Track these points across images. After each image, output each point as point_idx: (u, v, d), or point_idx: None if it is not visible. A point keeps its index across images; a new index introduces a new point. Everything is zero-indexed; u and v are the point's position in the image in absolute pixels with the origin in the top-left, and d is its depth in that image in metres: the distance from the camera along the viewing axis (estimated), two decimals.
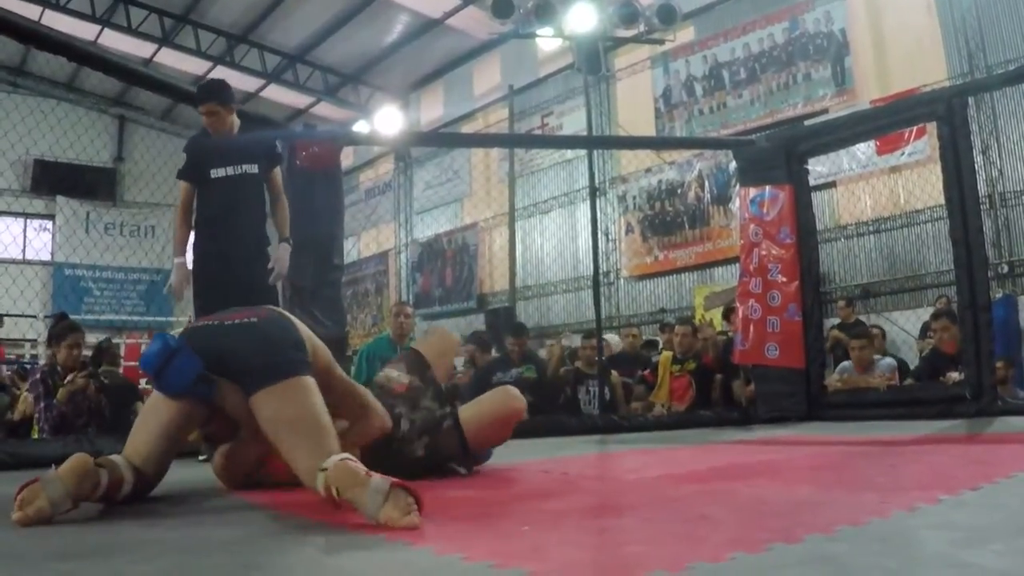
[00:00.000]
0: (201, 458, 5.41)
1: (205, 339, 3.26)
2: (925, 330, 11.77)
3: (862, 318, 12.87)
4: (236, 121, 6.13)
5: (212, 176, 5.97)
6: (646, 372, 10.16)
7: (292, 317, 3.45)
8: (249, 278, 5.83)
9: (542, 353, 11.59)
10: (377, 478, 2.57)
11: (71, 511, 2.75)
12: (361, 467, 2.69)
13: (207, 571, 2.05)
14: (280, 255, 5.95)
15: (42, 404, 7.21)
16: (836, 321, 12.49)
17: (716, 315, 12.47)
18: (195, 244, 6.12)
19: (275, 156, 6.22)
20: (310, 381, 3.16)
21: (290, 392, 3.10)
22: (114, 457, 3.05)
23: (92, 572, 2.07)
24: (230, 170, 5.98)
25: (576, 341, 11.44)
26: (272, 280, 5.88)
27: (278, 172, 6.20)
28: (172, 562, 2.12)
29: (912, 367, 9.89)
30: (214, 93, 6.12)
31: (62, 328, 7.61)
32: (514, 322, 12.07)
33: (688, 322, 10.25)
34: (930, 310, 11.67)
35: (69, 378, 7.19)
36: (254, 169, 6.01)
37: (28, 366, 15.41)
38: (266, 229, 6.08)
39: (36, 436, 7.33)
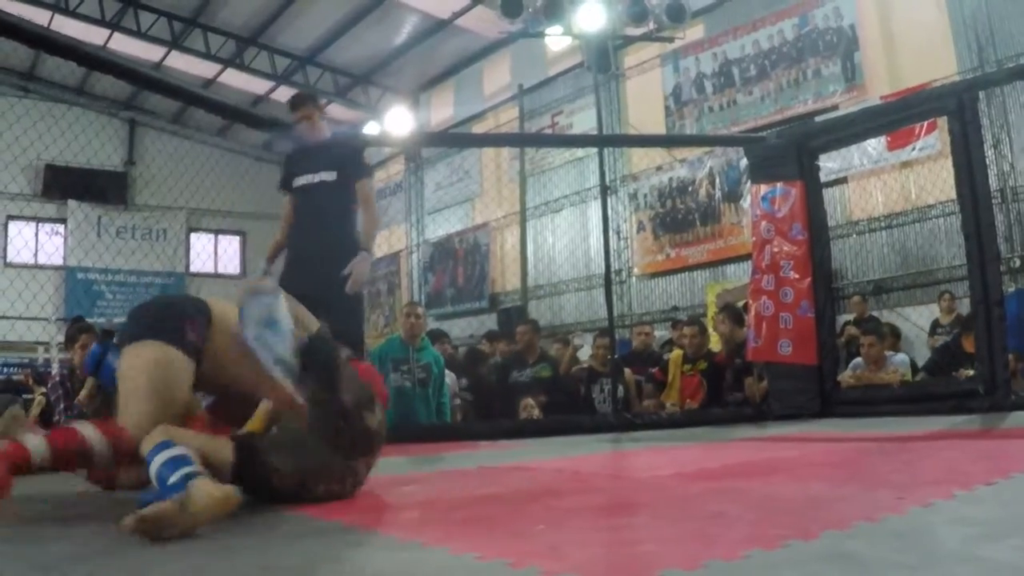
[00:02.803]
0: None
1: None
2: (935, 327, 11.76)
3: (874, 314, 12.84)
4: (326, 130, 6.42)
5: (295, 185, 6.27)
6: (656, 370, 10.14)
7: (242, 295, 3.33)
8: (322, 284, 5.91)
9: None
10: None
11: None
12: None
13: (225, 572, 2.05)
14: (356, 264, 5.95)
15: (62, 406, 7.28)
16: (850, 317, 12.48)
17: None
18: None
19: (359, 165, 6.36)
20: (149, 348, 3.22)
21: (128, 354, 3.26)
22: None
23: (110, 574, 2.07)
24: (309, 178, 6.23)
25: (588, 340, 11.44)
26: (348, 289, 5.91)
27: (367, 184, 6.33)
28: (190, 564, 2.13)
29: (923, 363, 9.88)
30: (310, 98, 6.50)
31: (75, 329, 7.69)
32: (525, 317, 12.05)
33: (697, 322, 10.23)
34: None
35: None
36: (332, 176, 6.17)
37: (42, 369, 15.46)
38: (348, 236, 6.18)
39: None
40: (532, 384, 9.44)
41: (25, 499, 3.53)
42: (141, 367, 3.18)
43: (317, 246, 6.11)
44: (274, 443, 3.12)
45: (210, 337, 3.33)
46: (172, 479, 2.69)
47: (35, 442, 2.98)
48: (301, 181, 6.29)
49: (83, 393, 7.23)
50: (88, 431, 3.07)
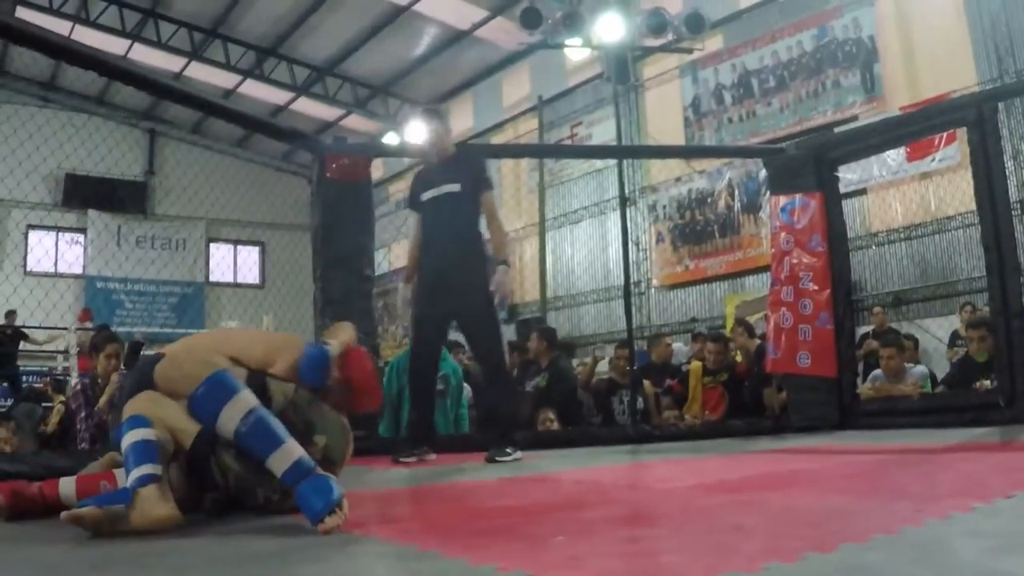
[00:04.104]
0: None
1: None
2: (954, 338, 11.70)
3: (893, 326, 12.80)
4: (451, 144, 6.64)
5: (422, 199, 6.41)
6: (674, 382, 10.12)
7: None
8: (456, 295, 6.15)
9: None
10: None
11: None
12: None
13: None
14: (499, 279, 6.10)
15: (83, 414, 7.32)
16: (870, 328, 12.44)
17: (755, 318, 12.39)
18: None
19: (483, 178, 6.42)
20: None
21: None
22: None
23: None
24: (435, 192, 6.35)
25: (609, 352, 11.42)
26: (497, 304, 6.15)
27: (492, 197, 6.43)
28: (207, 573, 2.14)
29: (942, 375, 9.83)
30: (437, 114, 6.83)
31: (101, 338, 7.75)
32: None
33: (720, 338, 10.21)
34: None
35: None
36: (456, 188, 6.25)
37: (61, 378, 15.52)
38: (476, 246, 6.28)
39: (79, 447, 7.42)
40: (532, 394, 9.41)
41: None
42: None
43: (448, 258, 6.22)
44: (228, 443, 3.12)
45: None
46: (131, 478, 2.81)
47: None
48: (428, 195, 6.41)
49: (102, 400, 7.27)
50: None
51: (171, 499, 2.85)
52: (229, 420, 2.83)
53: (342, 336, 3.62)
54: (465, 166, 6.46)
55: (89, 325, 17.20)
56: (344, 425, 3.45)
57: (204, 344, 3.48)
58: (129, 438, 2.92)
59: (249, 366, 3.29)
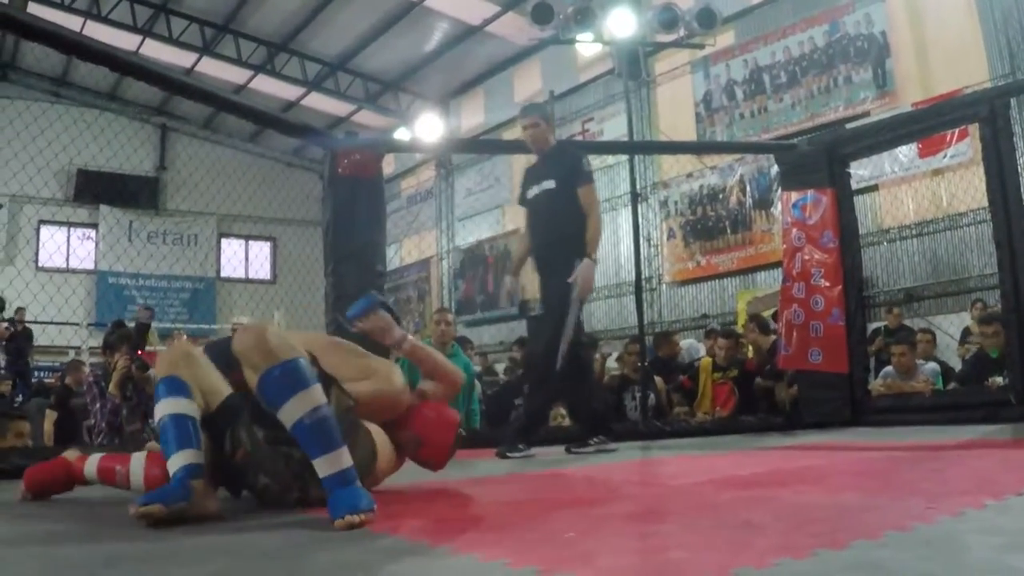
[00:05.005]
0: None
1: None
2: (965, 335, 11.68)
3: (905, 322, 12.78)
4: (552, 140, 6.64)
5: (528, 197, 6.58)
6: (684, 379, 10.12)
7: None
8: (551, 290, 6.32)
9: None
10: None
11: None
12: None
13: None
14: (581, 272, 6.11)
15: (98, 405, 7.37)
16: (880, 325, 12.43)
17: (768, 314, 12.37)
18: None
19: (579, 172, 6.39)
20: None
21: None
22: None
23: None
24: (535, 189, 6.51)
25: (617, 348, 11.42)
26: (576, 296, 6.10)
27: (589, 191, 6.39)
28: (218, 568, 2.14)
29: (955, 371, 9.81)
30: (536, 108, 6.84)
31: (116, 338, 7.83)
32: None
33: (732, 334, 10.21)
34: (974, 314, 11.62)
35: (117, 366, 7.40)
36: (552, 185, 6.35)
37: None
38: (570, 244, 6.26)
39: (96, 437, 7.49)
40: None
41: (57, 502, 3.58)
42: None
43: (542, 257, 6.44)
44: (246, 421, 3.12)
45: None
46: (174, 464, 2.83)
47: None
48: (531, 193, 6.55)
49: (112, 385, 7.32)
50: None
51: (212, 490, 2.94)
52: (295, 409, 2.81)
53: (436, 389, 3.83)
54: (561, 162, 6.48)
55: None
56: (375, 449, 3.43)
57: (293, 335, 3.44)
58: (167, 407, 2.93)
59: (327, 372, 3.29)
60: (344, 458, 2.84)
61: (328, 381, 3.23)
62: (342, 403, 3.25)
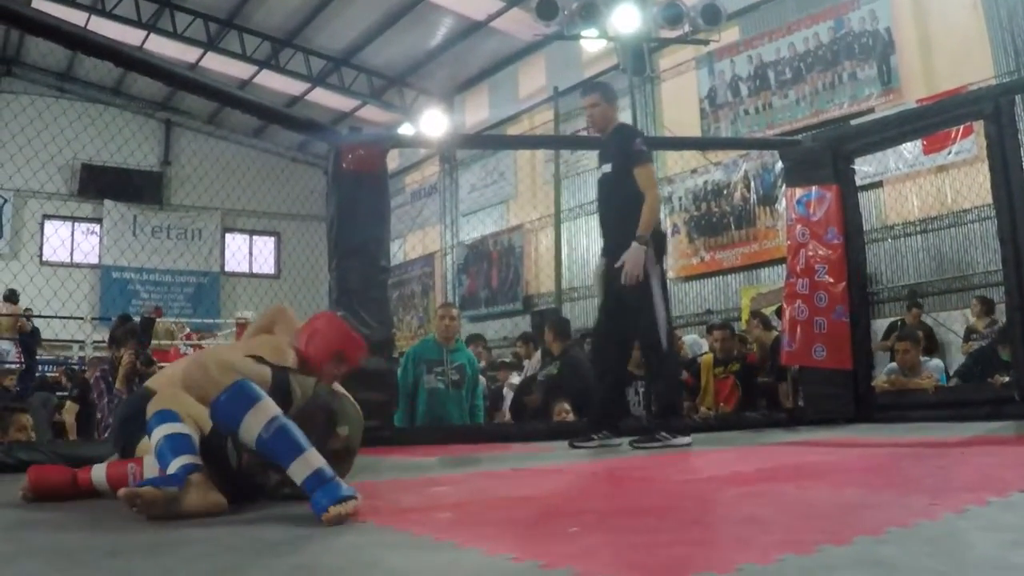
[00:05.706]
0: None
1: None
2: (969, 333, 11.68)
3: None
4: (615, 120, 6.64)
5: (599, 179, 6.59)
6: (686, 375, 10.11)
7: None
8: (612, 278, 6.19)
9: None
10: None
11: None
12: None
13: (257, 571, 2.07)
14: (629, 255, 6.06)
15: (105, 400, 7.39)
16: (885, 322, 12.43)
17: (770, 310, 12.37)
18: None
19: (631, 154, 6.33)
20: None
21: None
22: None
23: (144, 569, 2.09)
24: (599, 172, 6.57)
25: None
26: (624, 281, 6.05)
27: (643, 171, 6.28)
28: (223, 561, 2.14)
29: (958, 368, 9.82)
30: (598, 87, 6.81)
31: (122, 333, 7.84)
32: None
33: (726, 326, 10.21)
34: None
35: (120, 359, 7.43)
36: (608, 168, 6.39)
37: (75, 367, 15.59)
38: (623, 227, 6.20)
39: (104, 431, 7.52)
40: (540, 381, 9.36)
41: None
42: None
43: (605, 241, 6.44)
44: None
45: None
46: (173, 466, 2.87)
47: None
48: (599, 175, 6.59)
49: (119, 380, 7.34)
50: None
51: (215, 487, 2.93)
52: (252, 426, 2.84)
53: (283, 327, 3.77)
54: (616, 144, 6.47)
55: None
56: (360, 414, 3.48)
57: (229, 350, 3.50)
58: (163, 430, 2.97)
59: (271, 362, 3.34)
60: (314, 459, 2.85)
61: (284, 375, 3.31)
62: (307, 388, 3.33)
